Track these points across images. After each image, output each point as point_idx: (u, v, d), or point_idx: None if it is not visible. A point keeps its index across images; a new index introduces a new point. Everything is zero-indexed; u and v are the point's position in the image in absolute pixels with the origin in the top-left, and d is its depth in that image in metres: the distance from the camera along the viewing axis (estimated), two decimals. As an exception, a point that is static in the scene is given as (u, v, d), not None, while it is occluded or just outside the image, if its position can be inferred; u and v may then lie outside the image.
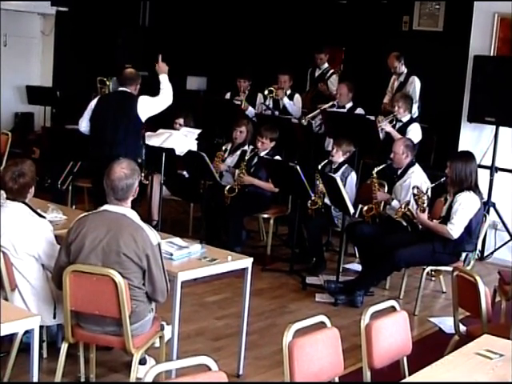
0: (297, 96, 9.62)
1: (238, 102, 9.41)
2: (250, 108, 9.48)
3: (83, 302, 4.40)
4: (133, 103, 6.92)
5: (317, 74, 10.16)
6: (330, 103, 9.05)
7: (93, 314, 4.42)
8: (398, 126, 8.37)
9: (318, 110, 8.95)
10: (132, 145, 6.95)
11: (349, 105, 9.07)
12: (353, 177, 7.75)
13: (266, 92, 9.42)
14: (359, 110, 8.97)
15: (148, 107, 6.96)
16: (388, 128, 8.24)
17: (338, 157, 7.77)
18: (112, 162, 4.58)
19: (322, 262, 7.74)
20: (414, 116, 8.77)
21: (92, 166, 7.15)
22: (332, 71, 9.98)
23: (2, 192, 4.89)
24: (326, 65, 10.09)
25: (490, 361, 3.71)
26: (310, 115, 8.97)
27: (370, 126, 8.17)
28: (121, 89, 7.11)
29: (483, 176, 8.08)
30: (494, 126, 8.42)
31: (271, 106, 9.62)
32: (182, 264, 4.89)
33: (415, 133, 8.29)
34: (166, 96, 7.05)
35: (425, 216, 6.60)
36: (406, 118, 8.44)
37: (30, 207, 4.86)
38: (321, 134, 9.16)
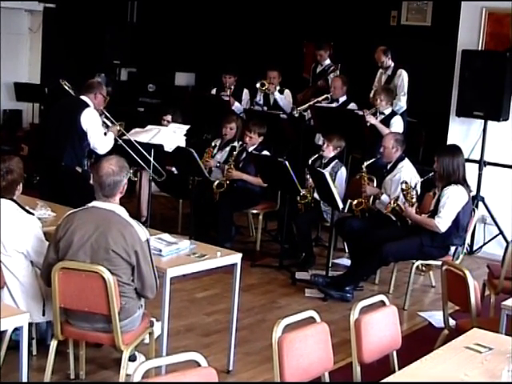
0: (287, 91, 9.58)
1: (227, 98, 9.38)
2: (237, 103, 9.46)
3: (72, 299, 4.39)
4: (78, 111, 7.00)
5: (318, 70, 10.06)
6: (324, 96, 9.02)
7: (82, 311, 4.41)
8: (379, 118, 8.38)
9: (309, 103, 8.93)
10: (70, 151, 7.04)
11: (342, 99, 9.04)
12: (342, 172, 7.75)
13: (258, 85, 9.37)
14: (352, 105, 8.93)
15: (89, 121, 7.02)
16: (373, 121, 8.23)
17: (329, 152, 7.77)
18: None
19: (311, 257, 7.75)
20: (403, 109, 8.79)
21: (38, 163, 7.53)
22: (333, 67, 9.89)
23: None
24: (328, 61, 9.91)
25: (480, 354, 3.72)
26: (301, 107, 8.94)
27: (359, 120, 8.16)
28: (80, 96, 7.19)
29: (472, 170, 8.11)
30: (483, 121, 8.43)
31: (261, 101, 9.59)
32: (171, 260, 4.89)
33: (398, 125, 8.32)
34: (103, 144, 7.13)
35: (413, 210, 6.62)
36: (387, 111, 8.45)
37: (19, 204, 4.84)
38: (312, 126, 9.07)
